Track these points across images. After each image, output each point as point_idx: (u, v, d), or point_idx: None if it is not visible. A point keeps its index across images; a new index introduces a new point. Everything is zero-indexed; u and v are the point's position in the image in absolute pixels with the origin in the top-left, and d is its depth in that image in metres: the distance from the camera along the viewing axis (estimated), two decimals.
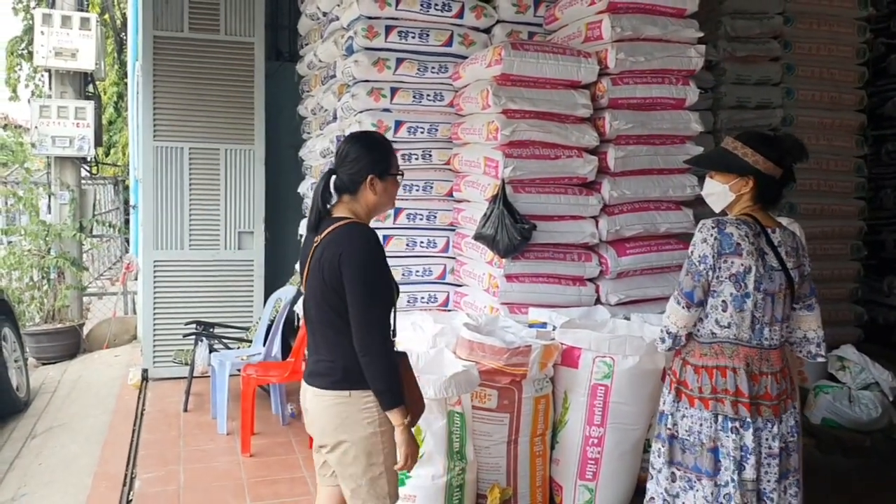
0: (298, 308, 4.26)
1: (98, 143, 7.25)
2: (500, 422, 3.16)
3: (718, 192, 2.41)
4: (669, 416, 2.41)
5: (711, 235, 2.29)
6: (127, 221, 9.26)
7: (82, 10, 7.21)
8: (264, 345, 4.52)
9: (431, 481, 2.94)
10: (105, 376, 5.75)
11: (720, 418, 2.30)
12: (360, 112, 4.04)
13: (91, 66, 6.88)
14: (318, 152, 4.94)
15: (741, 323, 2.29)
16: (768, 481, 2.30)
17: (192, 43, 5.37)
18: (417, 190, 4.10)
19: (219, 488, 3.64)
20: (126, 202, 9.74)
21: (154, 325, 5.40)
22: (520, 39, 4.09)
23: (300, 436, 4.18)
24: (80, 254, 7.10)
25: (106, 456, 4.09)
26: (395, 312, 2.18)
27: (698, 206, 3.47)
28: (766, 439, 2.30)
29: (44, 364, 6.35)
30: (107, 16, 9.71)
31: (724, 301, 2.30)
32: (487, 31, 4.18)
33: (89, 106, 6.85)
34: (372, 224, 2.24)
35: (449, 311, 4.09)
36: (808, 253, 2.49)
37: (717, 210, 2.47)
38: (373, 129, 3.88)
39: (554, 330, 3.33)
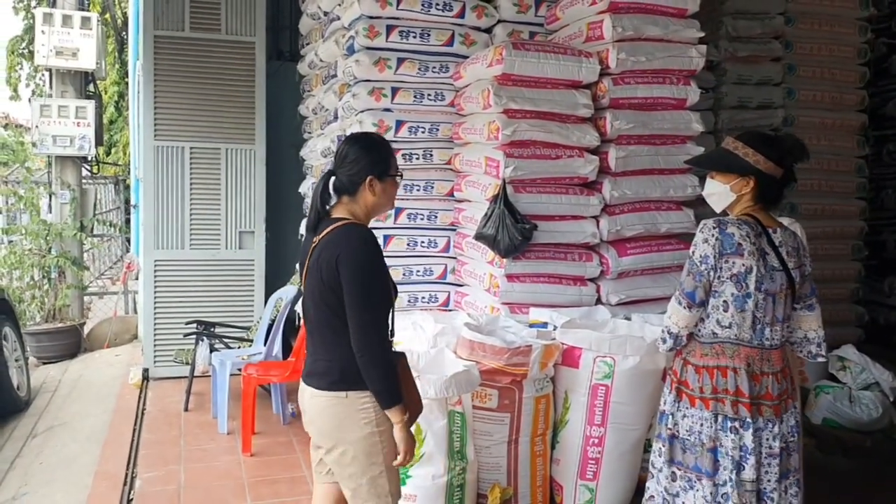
0: (299, 308, 4.25)
1: (99, 142, 7.25)
2: (501, 421, 3.16)
3: (719, 192, 2.41)
4: (670, 416, 2.41)
5: (713, 235, 2.29)
6: (128, 221, 9.26)
7: (83, 10, 7.20)
8: (265, 344, 4.53)
9: (432, 481, 2.94)
10: (106, 376, 5.75)
11: (720, 418, 2.30)
12: (361, 112, 4.04)
13: (92, 66, 6.88)
14: (319, 152, 4.94)
15: (742, 323, 2.29)
16: (769, 481, 2.31)
17: (193, 42, 5.37)
18: (418, 190, 4.10)
19: (219, 488, 3.64)
20: (127, 202, 9.75)
21: (155, 324, 5.40)
22: (521, 39, 4.09)
23: (301, 435, 4.17)
24: (80, 253, 7.10)
25: (106, 455, 4.09)
26: (393, 313, 2.18)
27: (699, 207, 3.47)
28: (767, 439, 2.30)
29: (44, 363, 6.34)
30: (108, 15, 9.72)
31: (725, 301, 2.30)
32: (488, 30, 4.18)
33: (90, 105, 6.84)
34: (373, 224, 2.24)
35: (450, 310, 4.09)
36: (809, 253, 2.49)
37: (718, 210, 2.47)
38: (374, 128, 3.89)
39: (555, 330, 3.33)
